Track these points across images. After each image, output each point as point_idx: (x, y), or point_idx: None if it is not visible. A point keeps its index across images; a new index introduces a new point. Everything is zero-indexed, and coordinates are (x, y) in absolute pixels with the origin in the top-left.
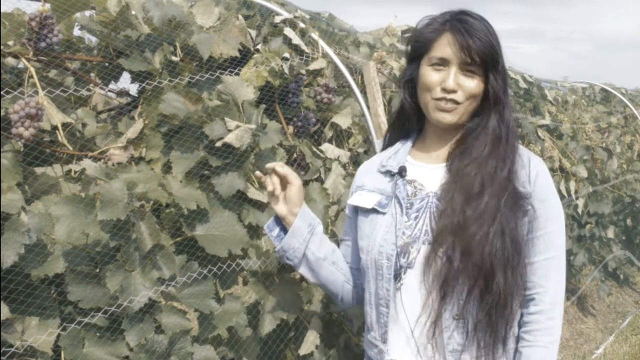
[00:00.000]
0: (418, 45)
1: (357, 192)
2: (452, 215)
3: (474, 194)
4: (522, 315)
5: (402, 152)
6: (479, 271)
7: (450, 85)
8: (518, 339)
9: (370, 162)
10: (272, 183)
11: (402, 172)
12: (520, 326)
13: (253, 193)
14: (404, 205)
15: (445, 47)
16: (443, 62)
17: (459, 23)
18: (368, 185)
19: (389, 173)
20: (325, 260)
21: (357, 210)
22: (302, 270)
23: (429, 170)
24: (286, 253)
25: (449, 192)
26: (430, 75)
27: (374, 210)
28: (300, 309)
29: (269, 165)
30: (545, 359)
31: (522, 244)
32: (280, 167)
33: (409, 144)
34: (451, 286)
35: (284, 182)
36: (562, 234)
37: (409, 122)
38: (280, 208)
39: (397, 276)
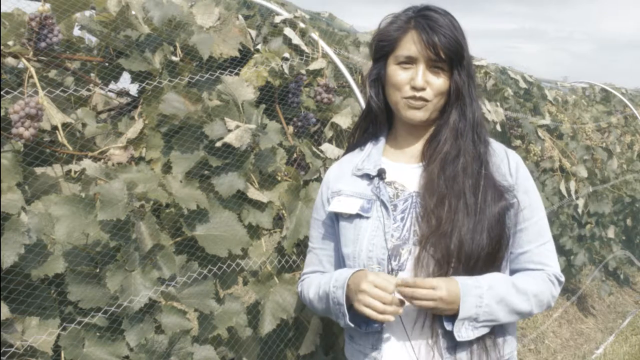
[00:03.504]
0: (383, 44)
1: (335, 198)
2: (429, 218)
3: (441, 195)
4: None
5: (375, 153)
6: (467, 270)
7: (419, 83)
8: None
9: (339, 166)
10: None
11: (381, 174)
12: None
13: (253, 193)
14: (389, 208)
15: (411, 45)
16: (410, 60)
17: (424, 20)
18: (345, 190)
19: (367, 176)
20: None
21: (335, 217)
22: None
23: (407, 171)
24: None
25: (422, 194)
26: (398, 74)
27: (357, 216)
28: (300, 309)
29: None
30: (545, 288)
31: (508, 238)
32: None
33: (380, 144)
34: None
35: None
36: (546, 217)
37: (377, 122)
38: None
39: None
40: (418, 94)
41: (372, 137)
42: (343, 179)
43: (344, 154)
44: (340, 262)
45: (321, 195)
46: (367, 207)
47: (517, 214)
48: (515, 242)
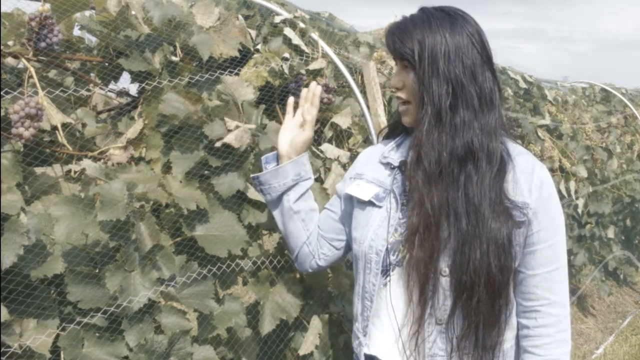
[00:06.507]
0: None
1: (356, 180)
2: (413, 240)
3: (425, 216)
4: (523, 327)
5: (405, 146)
6: (459, 286)
7: (392, 82)
8: (517, 350)
9: (373, 149)
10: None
11: (402, 167)
12: (521, 337)
13: (253, 193)
14: (399, 202)
15: None
16: (395, 62)
17: (398, 20)
18: (367, 175)
19: (389, 165)
20: (296, 214)
21: (352, 198)
22: (274, 213)
23: None
24: (261, 185)
25: (408, 205)
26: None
27: (370, 203)
28: (300, 309)
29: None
30: (556, 342)
31: (512, 258)
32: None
33: (412, 137)
34: (429, 294)
35: (301, 124)
36: (564, 243)
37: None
38: (283, 147)
39: (386, 272)
40: (396, 94)
41: (406, 130)
42: (369, 164)
43: (384, 138)
44: (348, 237)
45: (349, 172)
46: (382, 196)
47: (531, 235)
48: (526, 263)
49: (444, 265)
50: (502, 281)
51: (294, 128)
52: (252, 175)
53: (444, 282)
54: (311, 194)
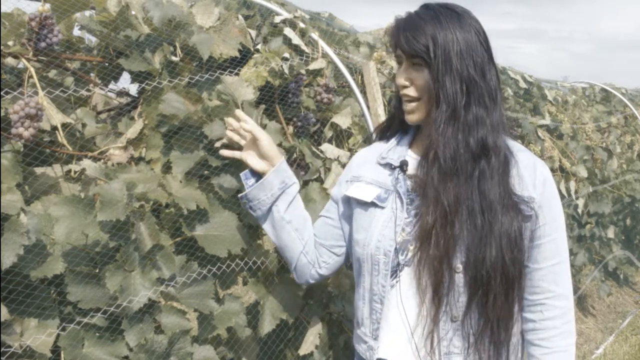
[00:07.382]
0: (390, 41)
1: (355, 183)
2: (428, 237)
3: (442, 213)
4: (529, 321)
5: (402, 145)
6: (475, 282)
7: (399, 80)
8: (522, 343)
9: (368, 151)
10: (242, 136)
11: (403, 166)
12: (527, 330)
13: None
14: (404, 201)
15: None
16: (399, 59)
17: (402, 15)
18: (366, 177)
19: (389, 166)
20: (289, 224)
21: (350, 200)
22: (265, 226)
23: None
24: (250, 202)
25: (421, 203)
26: (397, 73)
27: (372, 204)
28: (300, 309)
29: (234, 117)
30: (561, 335)
31: (523, 251)
32: (246, 123)
33: (409, 136)
34: (444, 292)
35: (253, 139)
36: (565, 237)
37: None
38: (257, 163)
39: (394, 273)
40: (402, 92)
41: (402, 129)
42: (366, 165)
43: (376, 139)
44: (347, 241)
45: (344, 175)
46: (384, 197)
47: (537, 228)
48: (532, 257)
49: (458, 262)
50: (515, 274)
51: (251, 148)
52: (239, 195)
53: (458, 279)
54: (299, 200)
